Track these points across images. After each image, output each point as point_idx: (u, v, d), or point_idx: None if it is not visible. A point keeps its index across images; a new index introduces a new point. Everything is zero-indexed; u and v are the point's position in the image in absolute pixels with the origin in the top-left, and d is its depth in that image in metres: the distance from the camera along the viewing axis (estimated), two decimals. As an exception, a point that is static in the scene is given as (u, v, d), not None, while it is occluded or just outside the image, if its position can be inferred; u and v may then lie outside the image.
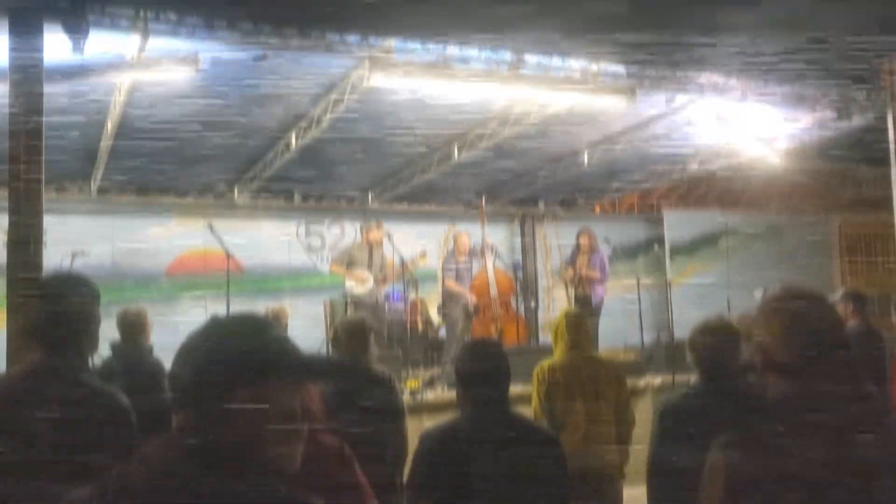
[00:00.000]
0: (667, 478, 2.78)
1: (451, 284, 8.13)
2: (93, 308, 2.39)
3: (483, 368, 2.68)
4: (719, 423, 1.80)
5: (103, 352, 4.50)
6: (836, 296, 5.15)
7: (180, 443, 1.23)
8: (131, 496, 1.20)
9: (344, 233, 10.89)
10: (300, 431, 1.27)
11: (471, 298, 8.11)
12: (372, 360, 4.23)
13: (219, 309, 7.89)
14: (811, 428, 1.60)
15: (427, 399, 6.39)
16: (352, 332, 3.99)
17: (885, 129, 7.38)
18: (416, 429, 4.40)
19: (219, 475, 1.19)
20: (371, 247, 8.19)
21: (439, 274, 10.09)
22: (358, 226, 8.89)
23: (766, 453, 1.60)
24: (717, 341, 2.98)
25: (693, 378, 3.23)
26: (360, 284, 8.03)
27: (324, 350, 8.84)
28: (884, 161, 7.50)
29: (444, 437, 2.61)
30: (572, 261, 8.81)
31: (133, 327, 4.80)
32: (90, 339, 2.39)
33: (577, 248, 8.81)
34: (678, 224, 11.54)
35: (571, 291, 8.97)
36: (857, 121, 7.61)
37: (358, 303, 8.13)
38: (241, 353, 1.25)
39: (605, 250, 9.28)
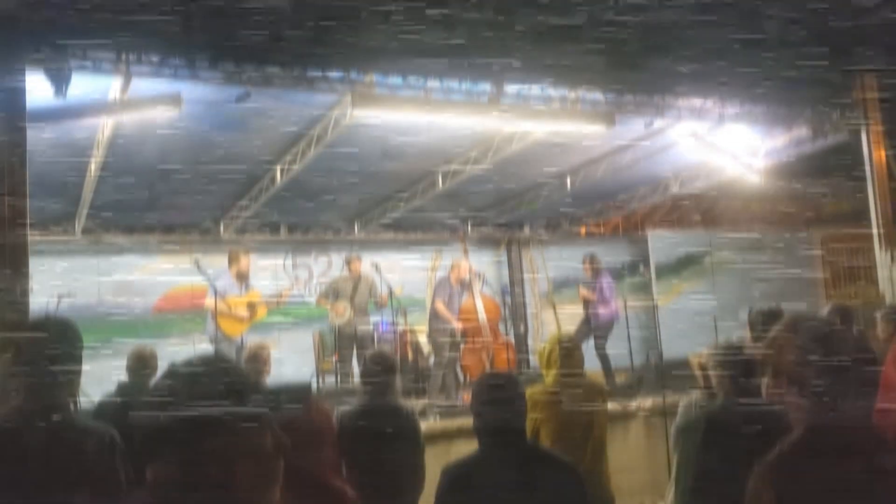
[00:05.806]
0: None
1: (441, 308, 8.14)
2: (75, 350, 2.42)
3: (501, 402, 2.71)
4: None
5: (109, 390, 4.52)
6: (824, 312, 5.17)
7: (156, 495, 1.24)
8: None
9: (331, 264, 10.91)
10: (275, 468, 1.29)
11: (457, 325, 8.12)
12: (397, 394, 4.24)
13: (206, 345, 7.85)
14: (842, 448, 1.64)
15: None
16: (383, 366, 4.00)
17: (860, 146, 7.52)
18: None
19: None
20: (357, 279, 8.39)
21: (427, 302, 10.11)
22: (343, 258, 9.07)
23: (806, 477, 1.62)
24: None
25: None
26: (339, 316, 8.31)
27: (314, 382, 8.86)
28: (860, 176, 7.63)
29: (465, 471, 2.64)
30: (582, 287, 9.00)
31: (140, 367, 4.76)
32: (73, 381, 2.43)
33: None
34: (663, 244, 11.61)
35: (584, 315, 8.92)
36: (833, 138, 7.74)
37: (341, 333, 8.35)
38: (205, 398, 1.25)
39: (606, 274, 9.01)
